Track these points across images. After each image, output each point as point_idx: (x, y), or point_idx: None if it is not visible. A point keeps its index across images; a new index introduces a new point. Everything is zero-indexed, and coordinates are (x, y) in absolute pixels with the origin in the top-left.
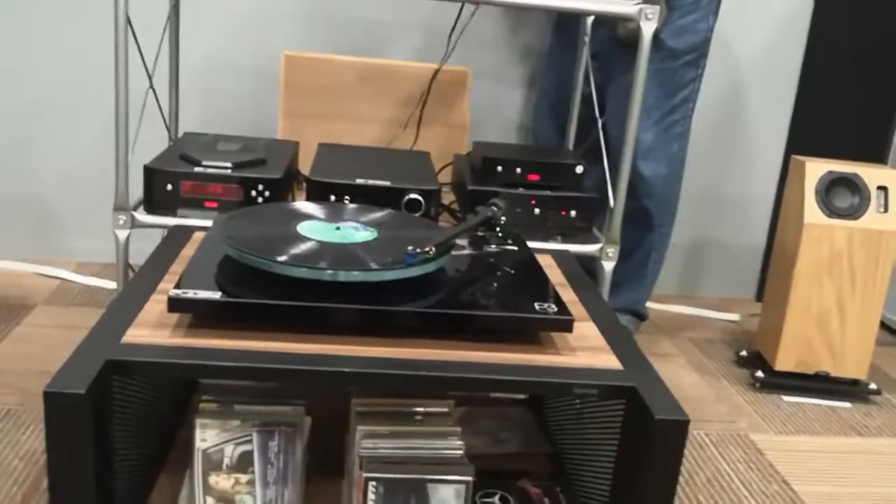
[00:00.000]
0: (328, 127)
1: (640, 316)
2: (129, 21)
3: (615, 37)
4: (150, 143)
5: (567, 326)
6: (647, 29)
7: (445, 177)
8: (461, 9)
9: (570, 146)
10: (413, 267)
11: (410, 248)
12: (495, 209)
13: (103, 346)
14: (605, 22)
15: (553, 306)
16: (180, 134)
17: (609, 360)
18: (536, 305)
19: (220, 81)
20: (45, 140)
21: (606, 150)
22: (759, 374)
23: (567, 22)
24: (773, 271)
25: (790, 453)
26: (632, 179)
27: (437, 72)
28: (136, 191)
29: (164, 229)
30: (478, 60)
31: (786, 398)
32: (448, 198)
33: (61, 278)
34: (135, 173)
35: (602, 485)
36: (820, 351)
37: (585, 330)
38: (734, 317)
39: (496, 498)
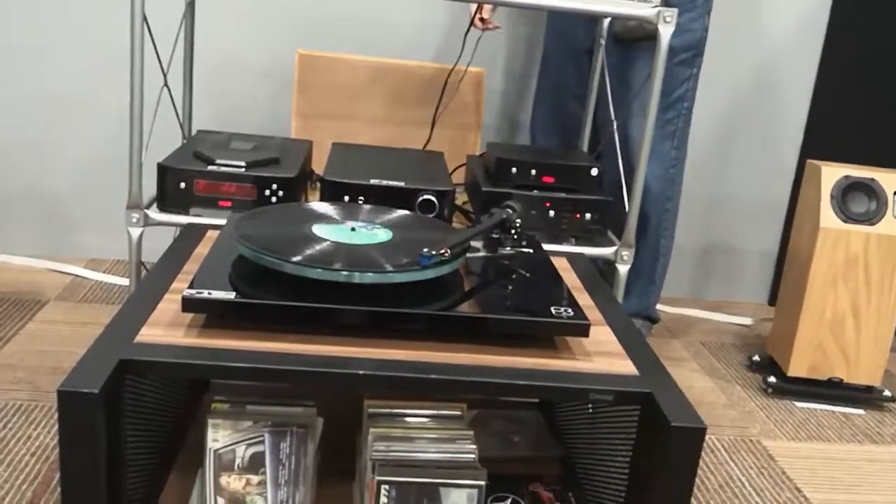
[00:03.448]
0: (341, 126)
1: (652, 319)
2: (145, 19)
3: (612, 33)
4: (164, 141)
5: (583, 331)
6: (665, 32)
7: (458, 177)
8: (476, 10)
9: (585, 148)
10: (428, 269)
11: (425, 250)
12: (510, 211)
13: (117, 346)
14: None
15: (569, 310)
16: (193, 132)
17: (625, 366)
18: (552, 309)
19: (233, 79)
20: (59, 136)
21: (601, 143)
22: (772, 379)
23: (558, 23)
24: (787, 276)
25: (802, 460)
26: (625, 178)
27: (450, 72)
28: (150, 188)
29: (176, 227)
30: (492, 61)
31: (798, 404)
32: (461, 199)
33: (73, 274)
34: (148, 171)
35: (615, 490)
36: (834, 357)
37: (601, 334)
38: (747, 321)
39: (508, 502)
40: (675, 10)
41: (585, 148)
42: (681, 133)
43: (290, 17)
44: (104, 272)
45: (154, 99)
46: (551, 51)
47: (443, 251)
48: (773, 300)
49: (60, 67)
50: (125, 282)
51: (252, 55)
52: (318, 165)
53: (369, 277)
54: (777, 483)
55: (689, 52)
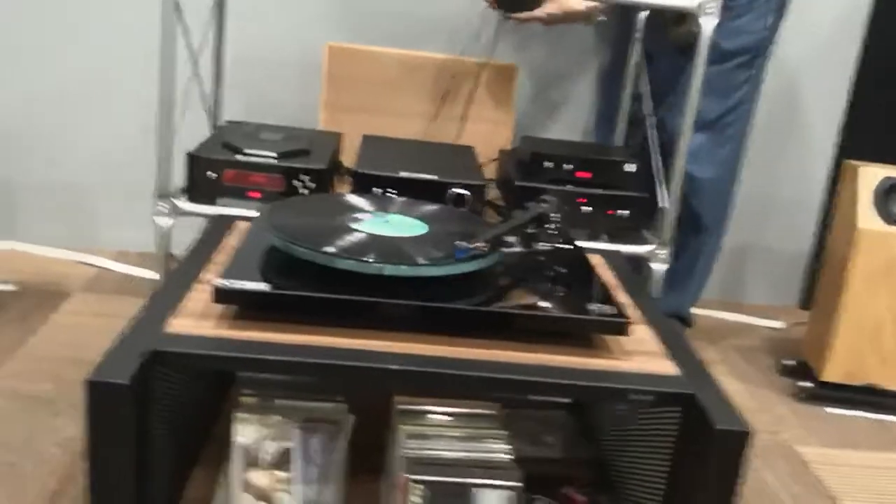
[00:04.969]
0: (369, 120)
1: (686, 321)
2: (178, 7)
3: (670, 40)
4: (192, 132)
5: (622, 329)
6: (708, 24)
7: (488, 173)
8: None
9: (621, 143)
10: (463, 263)
11: (461, 243)
12: (546, 205)
13: (146, 336)
14: (660, 24)
15: (607, 307)
16: (222, 122)
17: (665, 366)
18: (590, 306)
19: (262, 71)
20: (86, 127)
21: (662, 151)
22: (805, 384)
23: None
24: (822, 279)
25: (837, 467)
26: (666, 178)
27: (482, 66)
28: (177, 179)
29: (203, 217)
30: (525, 55)
31: (832, 410)
32: (491, 194)
33: (99, 266)
34: (176, 163)
35: (651, 493)
36: (870, 363)
37: (639, 333)
38: (778, 324)
39: None
40: (717, 1)
41: (622, 144)
42: (740, 136)
43: (320, 9)
44: (130, 265)
45: (184, 89)
46: (620, 58)
47: (478, 245)
48: (804, 303)
49: (87, 57)
50: (152, 274)
51: (281, 47)
52: (346, 158)
53: (402, 270)
54: (812, 490)
55: (747, 55)
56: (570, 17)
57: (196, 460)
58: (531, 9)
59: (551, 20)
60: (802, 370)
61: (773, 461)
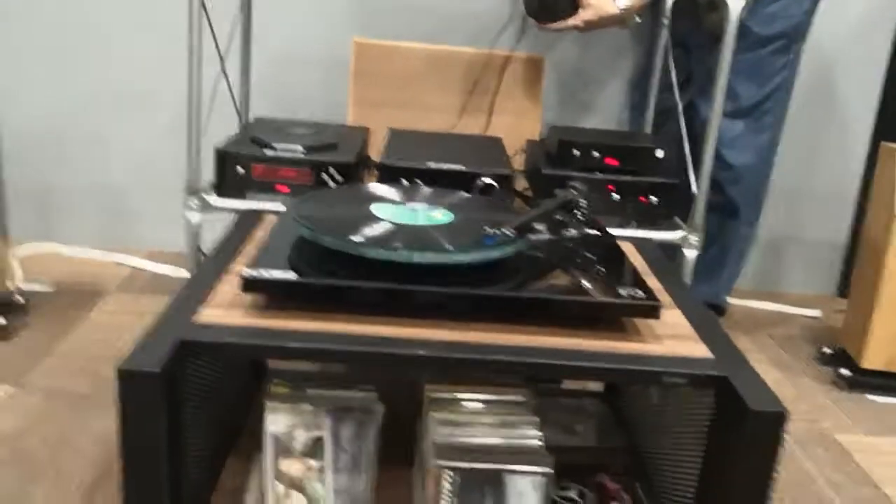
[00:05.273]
0: (398, 114)
1: (719, 310)
2: (203, 5)
3: (704, 28)
4: (222, 130)
5: (654, 313)
6: (736, 5)
7: (516, 164)
8: None
9: (648, 130)
10: (491, 249)
11: (489, 229)
12: (575, 192)
13: (177, 326)
14: (692, 12)
15: (638, 292)
16: (251, 119)
17: (698, 349)
18: (621, 290)
19: (289, 68)
20: (119, 129)
21: (697, 139)
22: (845, 371)
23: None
24: (860, 265)
25: (881, 456)
26: (718, 169)
27: (508, 59)
28: (208, 176)
29: (233, 212)
30: (552, 48)
31: (874, 398)
32: (519, 185)
33: (133, 266)
34: (206, 159)
35: (685, 480)
36: None
37: (671, 317)
38: (815, 313)
39: (573, 492)
40: None
41: (649, 130)
42: (778, 122)
43: (346, 5)
44: (163, 264)
45: (212, 88)
46: (646, 47)
47: (507, 231)
48: (841, 292)
49: (120, 62)
50: (183, 273)
51: (308, 44)
52: (375, 153)
53: (430, 257)
54: (854, 479)
55: (783, 40)
56: (606, 22)
57: (230, 451)
58: (565, 18)
59: (588, 27)
60: (842, 358)
61: (813, 450)
